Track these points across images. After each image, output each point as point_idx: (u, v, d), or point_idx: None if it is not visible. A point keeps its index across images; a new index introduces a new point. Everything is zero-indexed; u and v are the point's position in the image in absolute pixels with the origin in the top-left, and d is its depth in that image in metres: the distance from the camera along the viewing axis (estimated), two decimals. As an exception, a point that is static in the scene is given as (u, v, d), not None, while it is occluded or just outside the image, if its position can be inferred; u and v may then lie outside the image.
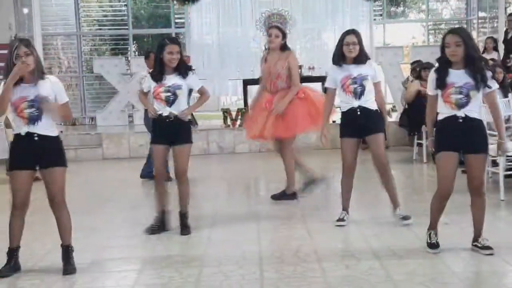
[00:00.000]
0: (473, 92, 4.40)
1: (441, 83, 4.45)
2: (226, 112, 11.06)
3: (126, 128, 12.17)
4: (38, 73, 4.42)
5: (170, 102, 5.38)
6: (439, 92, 4.49)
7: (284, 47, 6.55)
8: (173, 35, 15.10)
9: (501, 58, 11.33)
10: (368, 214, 5.88)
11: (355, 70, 5.46)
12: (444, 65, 4.47)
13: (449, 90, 4.41)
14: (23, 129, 4.42)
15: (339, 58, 5.50)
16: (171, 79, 5.39)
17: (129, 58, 14.37)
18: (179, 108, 5.41)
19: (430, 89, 4.60)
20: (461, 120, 4.43)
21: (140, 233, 5.52)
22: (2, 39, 13.48)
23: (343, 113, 5.63)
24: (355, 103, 5.49)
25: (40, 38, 11.42)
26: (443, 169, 4.50)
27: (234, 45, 14.13)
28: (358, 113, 5.49)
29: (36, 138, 4.42)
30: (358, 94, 5.47)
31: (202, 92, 5.66)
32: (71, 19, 15.12)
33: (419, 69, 9.41)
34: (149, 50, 8.91)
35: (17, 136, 4.48)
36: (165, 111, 5.40)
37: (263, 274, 4.34)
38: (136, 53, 16.78)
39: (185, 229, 5.53)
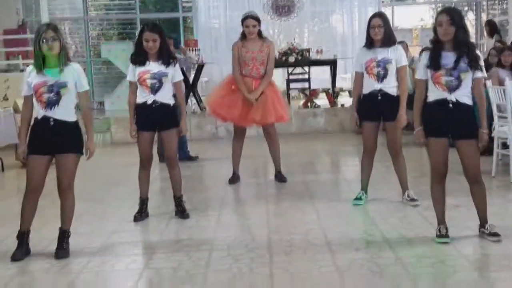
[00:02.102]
0: (464, 74, 4.33)
1: (435, 64, 4.37)
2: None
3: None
4: (63, 59, 4.43)
5: (155, 89, 5.31)
6: (429, 73, 4.43)
7: (260, 33, 6.72)
8: (181, 19, 15.09)
9: (511, 40, 11.24)
10: (377, 198, 5.87)
11: (381, 54, 5.51)
12: (437, 46, 4.40)
13: (440, 72, 4.35)
14: (40, 113, 4.46)
15: (369, 41, 5.57)
16: (156, 66, 5.33)
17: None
18: (164, 95, 5.34)
19: (420, 74, 4.51)
20: (451, 105, 4.35)
21: (150, 217, 5.54)
22: (10, 24, 13.52)
23: (364, 96, 5.62)
24: (377, 86, 5.52)
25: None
26: (435, 154, 4.46)
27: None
28: (379, 97, 5.52)
29: (52, 123, 4.45)
30: (381, 78, 5.50)
31: (177, 88, 5.49)
32: (78, 4, 15.13)
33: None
34: (169, 36, 8.86)
35: (35, 120, 4.51)
36: (149, 98, 5.34)
37: (273, 257, 4.34)
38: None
39: (182, 213, 5.54)
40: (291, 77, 12.30)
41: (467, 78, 4.35)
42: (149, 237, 5.14)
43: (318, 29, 15.28)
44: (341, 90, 12.36)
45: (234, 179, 6.95)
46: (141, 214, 5.52)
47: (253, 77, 6.65)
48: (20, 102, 8.72)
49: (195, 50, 12.09)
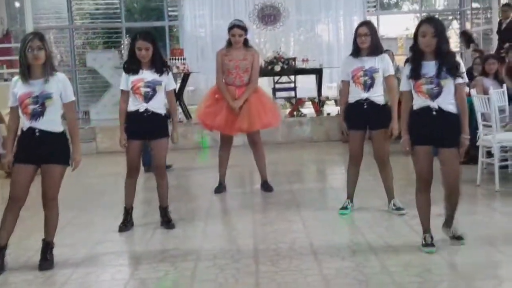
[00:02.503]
0: (444, 81, 4.36)
1: (415, 74, 4.41)
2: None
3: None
4: (48, 70, 4.39)
5: (148, 98, 5.29)
6: (411, 83, 4.46)
7: (246, 42, 6.72)
8: (166, 27, 15.07)
9: (495, 49, 11.34)
10: (363, 207, 5.87)
11: (368, 63, 5.51)
12: (418, 55, 4.42)
13: (420, 81, 4.39)
14: (26, 124, 4.42)
15: (355, 49, 5.57)
16: (150, 75, 5.30)
17: (122, 51, 14.32)
18: (156, 104, 5.32)
19: (404, 85, 4.55)
20: (434, 113, 4.38)
21: (135, 228, 5.51)
22: (-6, 34, 13.42)
23: (350, 105, 5.62)
24: (363, 95, 5.52)
25: (32, 31, 11.32)
26: (420, 161, 4.47)
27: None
28: (365, 106, 5.52)
29: (37, 134, 4.40)
30: (367, 87, 5.50)
31: (170, 97, 5.49)
32: (64, 12, 15.07)
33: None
34: None
35: (21, 131, 4.47)
36: (141, 106, 5.31)
37: (259, 267, 4.33)
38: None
39: (168, 223, 5.50)
40: (277, 86, 12.32)
41: (448, 85, 4.37)
42: (135, 247, 5.10)
43: (304, 38, 15.32)
44: (327, 99, 12.38)
45: (220, 188, 6.92)
46: (126, 224, 5.49)
47: (236, 86, 6.64)
48: (4, 112, 8.66)
49: (181, 59, 12.07)
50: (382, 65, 5.54)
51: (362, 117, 5.56)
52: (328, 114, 11.62)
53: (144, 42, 5.26)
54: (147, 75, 5.31)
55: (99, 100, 13.15)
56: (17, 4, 14.13)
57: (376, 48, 5.55)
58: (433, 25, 4.33)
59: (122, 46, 15.09)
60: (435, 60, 4.37)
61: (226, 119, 6.62)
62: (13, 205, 4.45)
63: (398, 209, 5.60)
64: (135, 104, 5.34)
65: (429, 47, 4.34)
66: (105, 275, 4.39)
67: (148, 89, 5.29)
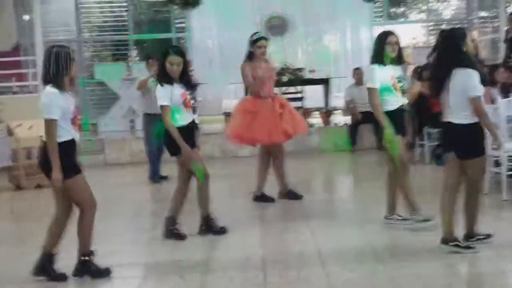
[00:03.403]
0: None
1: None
2: (228, 116, 11.03)
3: (128, 133, 12.17)
4: (75, 83, 4.53)
5: (194, 109, 5.46)
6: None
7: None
8: (174, 40, 15.14)
9: (503, 58, 11.33)
10: (370, 217, 5.87)
11: (396, 71, 5.48)
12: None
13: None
14: (75, 135, 4.46)
15: (385, 58, 5.44)
16: (184, 88, 5.33)
17: (130, 64, 14.38)
18: (196, 114, 5.51)
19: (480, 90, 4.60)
20: None
21: (144, 239, 5.53)
22: (3, 47, 13.54)
23: (391, 112, 5.40)
24: (402, 101, 5.49)
25: (41, 44, 11.40)
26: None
27: (235, 48, 14.08)
28: (404, 112, 5.52)
29: (76, 144, 4.50)
30: (403, 94, 5.50)
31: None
32: (72, 25, 15.16)
33: (420, 70, 9.38)
34: (148, 55, 9.07)
35: (69, 142, 4.41)
36: (191, 119, 5.38)
37: (267, 278, 4.34)
38: (137, 58, 16.82)
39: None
40: (284, 96, 12.34)
41: None
42: (143, 259, 5.12)
43: (312, 49, 15.35)
44: (335, 109, 12.40)
45: (293, 195, 6.92)
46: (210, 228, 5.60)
47: (271, 97, 6.70)
48: (13, 125, 8.72)
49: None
50: (403, 73, 5.60)
51: (402, 124, 5.52)
52: (336, 124, 11.63)
53: (177, 57, 5.28)
54: (183, 88, 5.34)
55: (107, 112, 13.20)
56: (26, 18, 14.23)
57: (401, 57, 5.56)
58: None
59: (130, 58, 15.16)
60: None
61: (270, 129, 6.60)
62: (94, 211, 4.58)
63: (405, 219, 5.51)
64: (187, 117, 5.36)
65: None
66: (113, 287, 4.40)
67: (193, 101, 5.45)
